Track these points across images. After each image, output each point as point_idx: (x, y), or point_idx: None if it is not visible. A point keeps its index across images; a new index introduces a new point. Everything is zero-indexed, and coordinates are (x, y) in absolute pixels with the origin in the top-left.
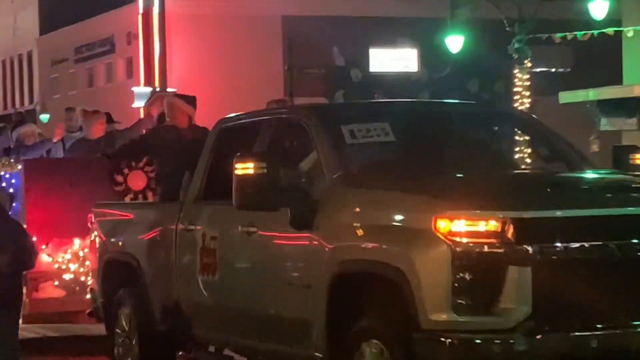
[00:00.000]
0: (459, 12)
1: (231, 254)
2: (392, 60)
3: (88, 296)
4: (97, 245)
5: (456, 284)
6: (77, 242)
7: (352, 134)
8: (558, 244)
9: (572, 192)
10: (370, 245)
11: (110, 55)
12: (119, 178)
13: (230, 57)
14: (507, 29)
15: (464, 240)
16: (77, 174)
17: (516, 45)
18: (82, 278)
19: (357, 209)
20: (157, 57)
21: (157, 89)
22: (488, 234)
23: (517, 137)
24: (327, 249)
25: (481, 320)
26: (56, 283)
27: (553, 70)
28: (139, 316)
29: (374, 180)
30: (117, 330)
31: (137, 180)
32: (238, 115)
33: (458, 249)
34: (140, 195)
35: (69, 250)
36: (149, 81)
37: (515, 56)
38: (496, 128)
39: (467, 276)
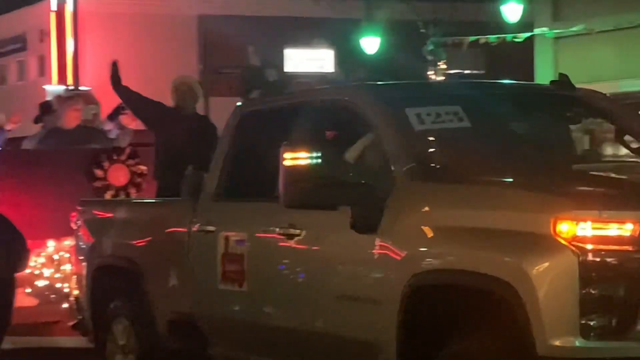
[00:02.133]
0: (374, 13)
1: (265, 261)
2: (308, 60)
3: (66, 305)
4: (84, 249)
5: (584, 302)
6: (51, 244)
7: (420, 118)
8: None
9: None
10: (463, 253)
11: (22, 52)
12: (99, 172)
13: (145, 57)
14: (422, 30)
15: (594, 247)
16: (50, 167)
17: (431, 47)
18: (58, 285)
19: (442, 209)
20: (70, 56)
21: (71, 88)
22: (623, 240)
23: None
24: (400, 257)
25: (616, 346)
26: (28, 290)
27: (467, 72)
28: (140, 331)
29: (461, 174)
30: (110, 346)
31: (119, 174)
32: (264, 97)
33: (587, 258)
34: (122, 192)
35: (43, 254)
36: (61, 79)
37: (430, 58)
38: (577, 112)
39: (598, 292)
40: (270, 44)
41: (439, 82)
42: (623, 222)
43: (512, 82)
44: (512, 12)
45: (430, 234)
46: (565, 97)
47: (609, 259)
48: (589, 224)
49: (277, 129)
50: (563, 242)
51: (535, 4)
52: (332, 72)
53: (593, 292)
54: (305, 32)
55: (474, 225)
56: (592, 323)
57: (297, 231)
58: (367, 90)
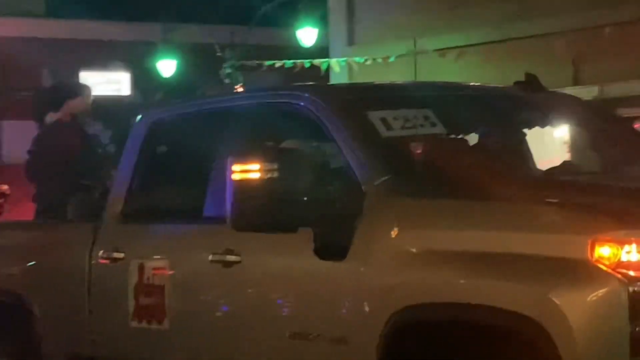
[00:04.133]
0: (170, 36)
1: (193, 293)
2: (104, 83)
3: None
4: None
5: (636, 341)
6: None
7: (386, 123)
8: None
9: None
10: (470, 282)
11: None
12: None
13: None
14: (219, 54)
15: None
16: None
17: (227, 71)
18: None
19: (435, 229)
20: None
21: None
22: None
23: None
24: (378, 289)
25: None
26: None
27: None
28: None
29: (453, 188)
30: None
31: None
32: (181, 101)
33: (637, 289)
34: None
35: None
36: None
37: (227, 81)
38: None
39: None
40: (66, 66)
41: (401, 83)
42: None
43: (476, 85)
44: (307, 37)
45: (420, 260)
46: (529, 100)
47: None
48: (635, 246)
49: (201, 138)
50: (604, 268)
51: (330, 28)
52: (129, 95)
53: None
54: (101, 54)
55: (480, 249)
56: None
57: (237, 257)
58: (322, 92)
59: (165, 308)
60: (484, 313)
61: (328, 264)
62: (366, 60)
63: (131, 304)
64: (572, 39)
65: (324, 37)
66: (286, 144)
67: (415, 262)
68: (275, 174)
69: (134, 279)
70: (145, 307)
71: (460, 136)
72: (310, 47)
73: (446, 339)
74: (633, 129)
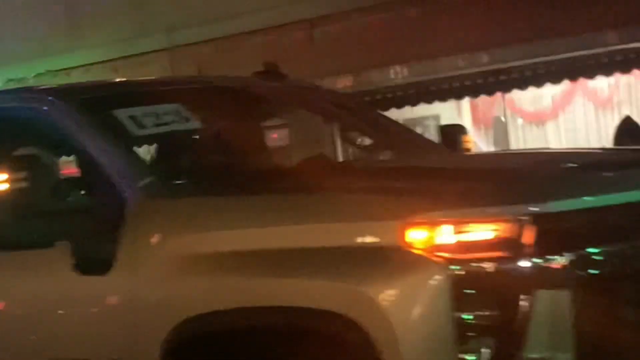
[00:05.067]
0: None
1: None
2: None
3: None
4: None
5: (462, 330)
6: None
7: (137, 122)
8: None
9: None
10: (263, 283)
11: None
12: None
13: None
14: None
15: (463, 256)
16: None
17: None
18: None
19: (212, 230)
20: None
21: None
22: (498, 243)
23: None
24: (151, 303)
25: None
26: None
27: None
28: None
29: (226, 185)
30: None
31: None
32: None
33: (458, 272)
34: None
35: None
36: None
37: None
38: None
39: (477, 315)
40: None
41: (145, 79)
42: (498, 221)
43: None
44: None
45: (197, 265)
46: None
47: (485, 270)
48: (451, 227)
49: None
50: (419, 253)
51: None
52: None
53: (471, 316)
54: None
55: (267, 246)
56: (473, 357)
57: None
58: (62, 94)
59: None
60: (286, 316)
61: (90, 279)
62: None
63: None
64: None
65: None
66: (23, 153)
67: (192, 268)
68: (25, 184)
69: None
70: None
71: (217, 130)
72: None
73: (243, 348)
74: (381, 115)
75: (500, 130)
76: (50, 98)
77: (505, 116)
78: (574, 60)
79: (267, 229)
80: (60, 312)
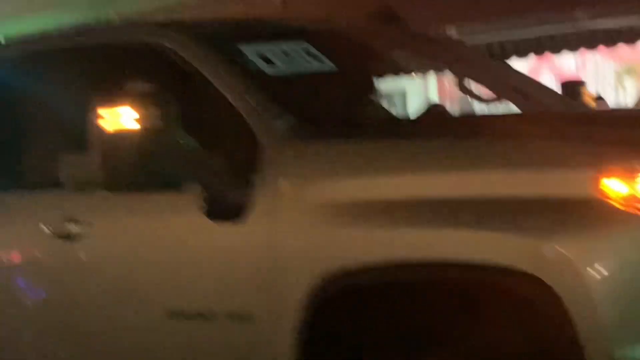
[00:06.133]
0: None
1: (20, 280)
2: None
3: None
4: None
5: None
6: None
7: (266, 59)
8: None
9: None
10: (434, 234)
11: None
12: None
13: None
14: None
15: None
16: None
17: None
18: None
19: (367, 174)
20: None
21: None
22: None
23: None
24: (292, 251)
25: None
26: None
27: None
28: None
29: (379, 129)
30: None
31: None
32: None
33: None
34: None
35: None
36: None
37: None
38: None
39: None
40: None
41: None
42: None
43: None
44: None
45: (350, 214)
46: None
47: None
48: None
49: (25, 86)
50: (618, 206)
51: None
52: None
53: None
54: None
55: (437, 194)
56: None
57: (84, 229)
58: (180, 29)
59: None
60: (451, 270)
61: (223, 226)
62: None
63: None
64: None
65: None
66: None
67: (339, 218)
68: (157, 122)
69: None
70: None
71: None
72: None
73: (397, 306)
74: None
75: (465, 105)
76: (173, 33)
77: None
78: (542, 37)
79: (434, 175)
80: (186, 259)
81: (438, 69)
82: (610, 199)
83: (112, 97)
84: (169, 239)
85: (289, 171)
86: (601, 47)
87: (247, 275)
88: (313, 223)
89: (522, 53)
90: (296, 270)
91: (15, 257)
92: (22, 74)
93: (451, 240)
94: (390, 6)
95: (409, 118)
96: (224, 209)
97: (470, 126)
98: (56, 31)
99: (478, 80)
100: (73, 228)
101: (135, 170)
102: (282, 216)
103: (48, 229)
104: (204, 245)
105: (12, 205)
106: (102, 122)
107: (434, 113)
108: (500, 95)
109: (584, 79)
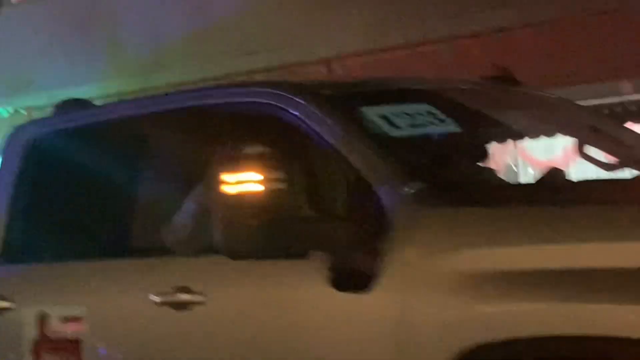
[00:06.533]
0: None
1: (125, 345)
2: None
3: None
4: None
5: None
6: None
7: (389, 121)
8: None
9: None
10: (582, 308)
11: None
12: None
13: None
14: None
15: None
16: None
17: None
18: None
19: (502, 244)
20: None
21: None
22: None
23: None
24: (426, 324)
25: None
26: None
27: None
28: None
29: (502, 196)
30: None
31: None
32: (79, 107)
33: None
34: None
35: None
36: None
37: None
38: None
39: None
40: None
41: (381, 77)
42: None
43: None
44: None
45: (492, 284)
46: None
47: None
48: None
49: (108, 154)
50: None
51: None
52: None
53: None
54: None
55: (572, 265)
56: None
57: (194, 297)
58: (299, 90)
59: None
60: (604, 346)
61: (351, 296)
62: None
63: None
64: None
65: None
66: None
67: (479, 289)
68: (281, 186)
69: (30, 333)
70: None
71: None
72: None
73: None
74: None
75: (511, 177)
76: (293, 95)
77: (516, 164)
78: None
79: (577, 245)
80: (311, 330)
81: (555, 133)
82: None
83: (232, 160)
84: (293, 309)
85: (418, 240)
86: None
87: (375, 349)
88: (447, 295)
89: None
90: (431, 345)
91: (117, 327)
92: (76, 146)
93: (602, 314)
94: (507, 69)
95: (529, 182)
96: (351, 278)
97: (598, 192)
98: (171, 93)
99: (599, 146)
100: (187, 297)
101: (257, 237)
102: (413, 288)
103: (158, 298)
104: (330, 316)
105: (105, 274)
106: (222, 186)
107: (555, 177)
108: (623, 163)
109: None
